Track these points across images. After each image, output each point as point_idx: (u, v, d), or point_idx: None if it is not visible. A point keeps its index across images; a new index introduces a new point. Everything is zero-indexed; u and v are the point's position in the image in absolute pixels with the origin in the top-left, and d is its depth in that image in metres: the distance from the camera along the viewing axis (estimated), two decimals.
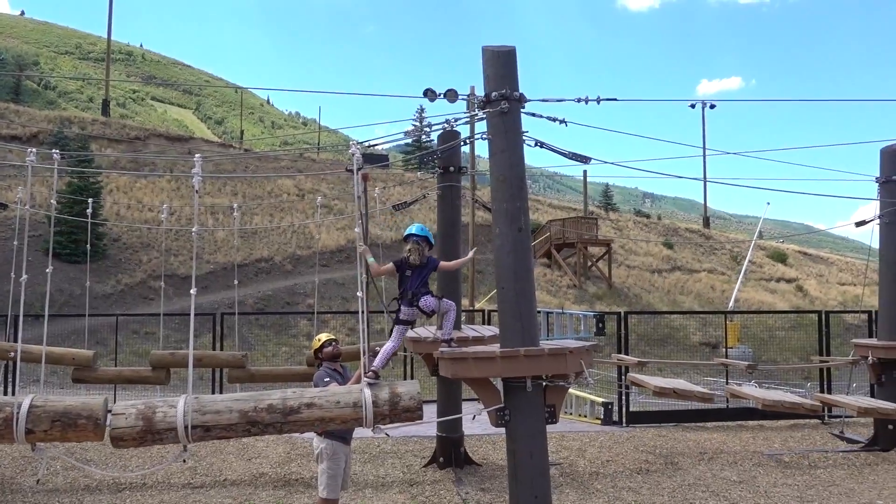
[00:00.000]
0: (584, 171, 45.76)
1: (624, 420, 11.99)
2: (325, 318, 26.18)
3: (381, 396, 5.23)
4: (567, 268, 37.41)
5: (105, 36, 50.99)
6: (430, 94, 6.33)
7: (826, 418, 12.03)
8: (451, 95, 6.32)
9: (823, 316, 13.01)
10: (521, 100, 6.21)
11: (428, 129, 7.45)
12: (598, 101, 6.51)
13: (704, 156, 44.40)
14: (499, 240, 6.08)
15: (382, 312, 7.71)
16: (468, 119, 6.51)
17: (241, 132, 66.63)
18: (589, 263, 38.08)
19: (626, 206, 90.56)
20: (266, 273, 31.05)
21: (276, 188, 39.17)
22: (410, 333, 9.32)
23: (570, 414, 12.51)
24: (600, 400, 11.99)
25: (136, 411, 4.83)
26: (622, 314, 12.63)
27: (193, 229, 5.26)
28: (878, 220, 10.62)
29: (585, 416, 12.30)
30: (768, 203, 42.84)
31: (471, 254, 7.81)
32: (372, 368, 5.88)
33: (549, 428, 11.11)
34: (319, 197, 16.24)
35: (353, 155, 5.40)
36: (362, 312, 5.38)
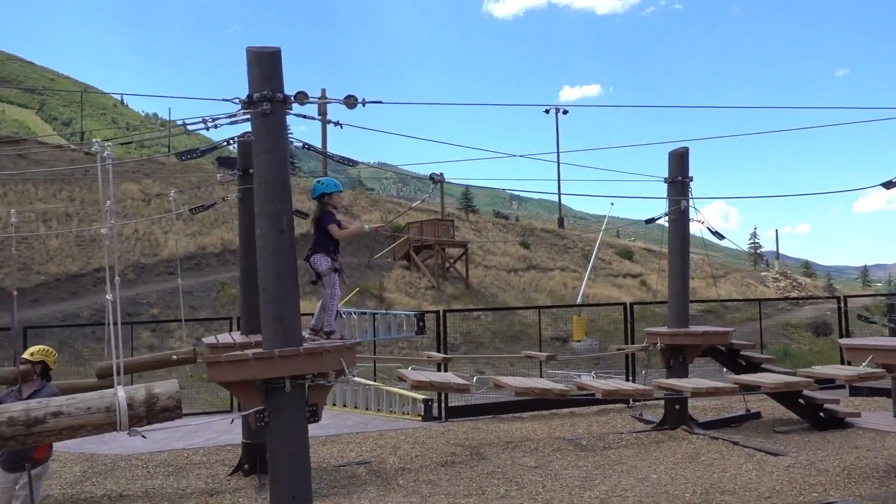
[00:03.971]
0: (441, 174, 46.41)
1: (443, 415, 12.31)
2: (170, 326, 25.15)
3: (136, 398, 5.11)
4: (425, 269, 37.87)
5: None
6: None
7: (630, 402, 12.87)
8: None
9: (628, 307, 13.94)
10: (286, 101, 6.22)
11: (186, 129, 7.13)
12: (364, 103, 6.62)
13: (559, 159, 46.38)
14: (261, 241, 6.06)
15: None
16: (235, 120, 6.42)
17: (82, 134, 62.53)
18: (447, 265, 38.75)
19: (490, 207, 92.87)
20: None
21: (119, 193, 37.08)
22: (209, 339, 9.13)
23: (394, 412, 12.68)
24: (421, 397, 12.22)
25: None
26: (441, 312, 12.94)
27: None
28: (665, 217, 11.46)
29: (408, 414, 12.51)
30: (612, 203, 45.27)
31: (366, 226, 6.83)
32: (325, 330, 6.45)
33: (372, 427, 11.22)
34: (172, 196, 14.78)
35: (97, 153, 5.44)
36: (113, 324, 5.23)
